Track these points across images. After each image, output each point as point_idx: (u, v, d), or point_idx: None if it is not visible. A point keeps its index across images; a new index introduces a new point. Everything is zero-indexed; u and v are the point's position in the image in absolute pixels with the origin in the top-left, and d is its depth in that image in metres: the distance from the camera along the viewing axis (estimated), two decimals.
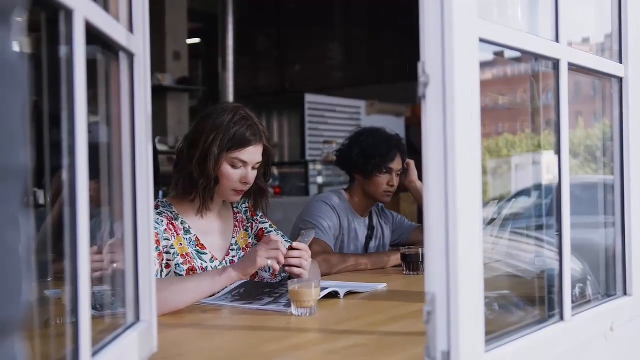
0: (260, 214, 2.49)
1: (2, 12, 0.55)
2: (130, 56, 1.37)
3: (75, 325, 1.01)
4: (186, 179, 2.24)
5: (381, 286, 2.37)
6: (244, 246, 2.39)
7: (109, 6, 1.30)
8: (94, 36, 1.14)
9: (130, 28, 1.37)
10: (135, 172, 1.38)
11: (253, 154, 2.25)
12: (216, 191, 2.27)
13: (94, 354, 1.10)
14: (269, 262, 2.04)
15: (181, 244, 2.21)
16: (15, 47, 0.58)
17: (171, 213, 2.25)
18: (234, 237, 2.38)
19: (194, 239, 2.25)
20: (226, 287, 2.11)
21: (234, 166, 2.23)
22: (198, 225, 2.29)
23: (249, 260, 2.07)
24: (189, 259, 2.20)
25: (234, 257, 2.34)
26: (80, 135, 1.03)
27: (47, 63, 1.06)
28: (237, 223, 2.42)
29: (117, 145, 1.37)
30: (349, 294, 2.20)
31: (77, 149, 1.02)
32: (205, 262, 2.24)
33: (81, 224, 1.02)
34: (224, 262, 2.30)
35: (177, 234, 2.22)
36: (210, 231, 2.32)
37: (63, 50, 1.03)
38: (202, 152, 2.19)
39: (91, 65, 1.10)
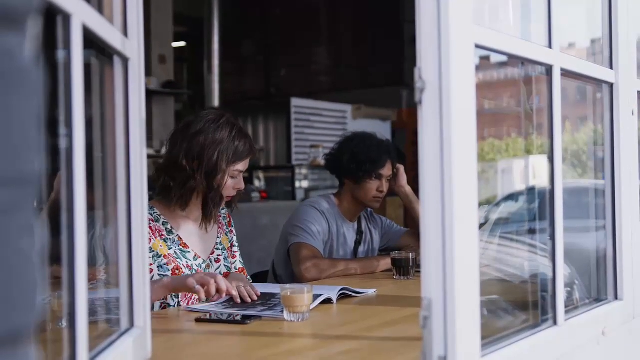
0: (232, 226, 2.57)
1: (16, 19, 0.54)
2: (125, 60, 1.36)
3: (72, 331, 1.00)
4: (189, 193, 2.29)
5: (371, 291, 2.38)
6: (228, 247, 2.49)
7: (103, 10, 1.30)
8: (89, 40, 1.13)
9: (125, 32, 1.36)
10: (130, 177, 1.37)
11: (248, 163, 2.38)
12: None
13: None
14: (197, 286, 1.98)
15: (161, 246, 2.26)
16: (30, 53, 0.58)
17: (152, 215, 2.28)
18: (218, 237, 2.46)
19: (176, 239, 2.31)
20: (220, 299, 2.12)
21: (232, 177, 2.33)
22: (182, 227, 2.35)
23: (181, 278, 2.04)
24: (172, 259, 2.25)
25: (219, 255, 2.43)
26: (78, 140, 1.02)
27: (43, 67, 1.05)
28: (220, 225, 2.50)
29: (111, 149, 1.36)
30: (342, 297, 2.20)
31: (74, 153, 1.01)
32: (190, 260, 2.31)
33: (78, 229, 1.01)
34: (208, 260, 2.38)
35: (156, 237, 2.26)
36: (194, 231, 2.38)
37: (60, 54, 1.02)
38: (207, 168, 2.26)
39: (85, 70, 1.09)
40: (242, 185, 2.37)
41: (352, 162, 3.03)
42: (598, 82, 1.86)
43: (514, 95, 1.94)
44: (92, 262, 1.55)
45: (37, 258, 0.57)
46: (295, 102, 8.37)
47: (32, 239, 0.56)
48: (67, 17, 1.01)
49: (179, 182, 2.28)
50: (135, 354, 1.33)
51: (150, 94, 7.61)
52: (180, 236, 2.32)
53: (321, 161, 7.27)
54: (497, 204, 2.30)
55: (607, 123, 1.87)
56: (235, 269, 2.46)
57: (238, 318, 1.90)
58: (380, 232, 3.28)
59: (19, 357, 0.55)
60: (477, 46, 1.27)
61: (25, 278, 0.55)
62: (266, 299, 2.15)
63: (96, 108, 1.36)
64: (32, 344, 0.57)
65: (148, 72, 7.60)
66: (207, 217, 2.35)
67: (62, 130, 1.02)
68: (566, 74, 1.61)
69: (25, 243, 0.55)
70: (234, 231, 2.56)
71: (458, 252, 1.17)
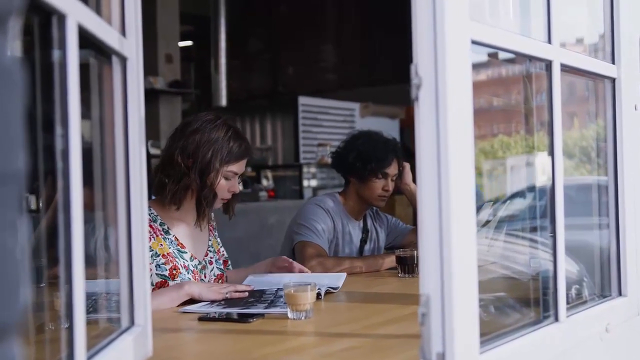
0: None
1: None
2: (123, 60, 1.36)
3: (70, 329, 1.01)
4: (183, 190, 2.32)
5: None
6: (217, 249, 2.53)
7: (101, 10, 1.30)
8: (86, 40, 1.13)
9: (123, 32, 1.37)
10: (129, 177, 1.37)
11: (244, 165, 2.41)
12: None
13: (89, 358, 1.09)
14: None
15: (161, 245, 2.31)
16: (12, 52, 0.58)
17: (150, 215, 2.31)
18: (210, 240, 2.51)
19: (173, 239, 2.35)
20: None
21: (227, 178, 2.36)
22: (177, 227, 2.39)
23: (209, 292, 2.16)
24: (171, 258, 2.30)
25: (211, 258, 2.48)
26: (74, 140, 1.02)
27: (39, 67, 1.05)
28: (211, 228, 2.55)
29: (110, 150, 1.37)
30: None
31: (70, 153, 1.02)
32: (186, 260, 2.35)
33: (75, 229, 1.02)
34: (203, 261, 2.43)
35: (157, 235, 2.31)
36: (189, 234, 2.42)
37: (56, 54, 1.03)
38: (201, 165, 2.30)
39: (83, 69, 1.10)
40: (237, 189, 2.40)
41: (357, 160, 3.02)
42: (600, 78, 1.85)
43: (522, 92, 1.93)
44: (97, 263, 1.56)
45: (20, 255, 0.58)
46: (302, 100, 8.37)
47: (15, 235, 0.57)
48: (62, 17, 1.01)
49: (174, 178, 2.31)
50: (135, 352, 1.34)
51: (156, 94, 7.61)
52: (177, 236, 2.36)
53: (328, 159, 7.29)
54: (505, 201, 2.30)
55: (610, 118, 1.86)
56: (214, 275, 2.48)
57: (236, 316, 1.91)
58: (386, 230, 3.28)
59: (3, 352, 0.55)
60: (474, 42, 1.26)
61: (8, 275, 0.56)
62: (257, 298, 2.15)
63: (95, 108, 1.36)
64: (16, 339, 0.58)
65: (155, 71, 7.61)
66: (201, 215, 2.38)
67: (59, 131, 1.02)
68: (567, 69, 1.61)
69: (9, 240, 0.56)
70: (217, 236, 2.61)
71: (455, 247, 1.17)
